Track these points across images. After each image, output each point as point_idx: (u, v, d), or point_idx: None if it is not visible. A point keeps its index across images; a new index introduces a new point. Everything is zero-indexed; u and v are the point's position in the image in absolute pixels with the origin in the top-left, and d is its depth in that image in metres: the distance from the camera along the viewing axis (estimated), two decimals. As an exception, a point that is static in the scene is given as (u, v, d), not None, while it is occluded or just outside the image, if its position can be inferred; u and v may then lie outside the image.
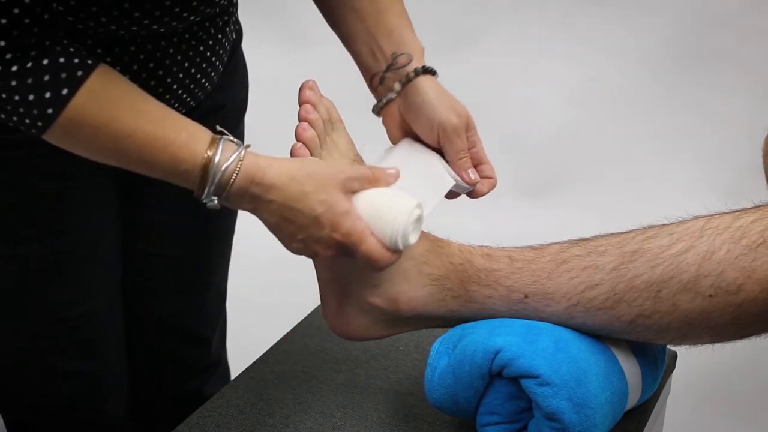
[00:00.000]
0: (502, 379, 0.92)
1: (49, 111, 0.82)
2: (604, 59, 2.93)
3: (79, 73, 0.82)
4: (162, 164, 0.85)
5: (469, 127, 1.03)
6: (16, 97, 0.81)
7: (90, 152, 0.87)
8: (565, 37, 2.97)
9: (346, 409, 1.06)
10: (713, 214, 0.90)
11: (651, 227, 0.93)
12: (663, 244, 0.89)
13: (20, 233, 1.04)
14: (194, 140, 0.86)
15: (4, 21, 0.78)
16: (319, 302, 1.04)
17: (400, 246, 0.91)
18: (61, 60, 0.82)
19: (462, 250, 0.99)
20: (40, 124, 0.83)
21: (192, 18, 0.97)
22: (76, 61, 0.83)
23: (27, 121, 0.83)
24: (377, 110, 1.05)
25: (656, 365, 1.01)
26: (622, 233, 0.94)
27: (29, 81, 0.81)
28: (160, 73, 1.00)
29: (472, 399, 0.95)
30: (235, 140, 0.87)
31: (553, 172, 2.64)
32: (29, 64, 0.81)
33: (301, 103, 0.97)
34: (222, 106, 1.15)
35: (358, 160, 1.01)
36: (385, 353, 1.15)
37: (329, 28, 1.09)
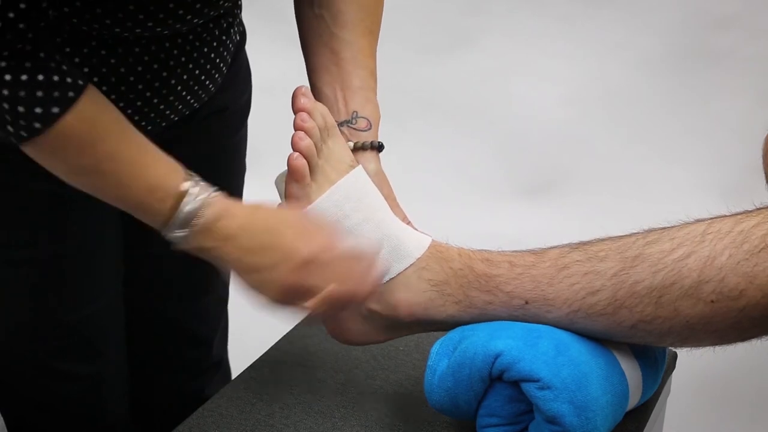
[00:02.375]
0: (503, 382, 0.92)
1: (36, 125, 0.82)
2: (604, 59, 2.94)
3: (71, 94, 0.83)
4: (140, 189, 0.86)
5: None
6: (5, 106, 0.81)
7: (66, 170, 0.87)
8: (565, 37, 2.97)
9: (346, 409, 1.06)
10: (714, 218, 0.90)
11: (652, 231, 0.92)
12: (664, 249, 0.89)
13: (22, 237, 1.04)
14: (171, 172, 0.88)
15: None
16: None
17: None
18: (55, 78, 0.82)
19: (462, 255, 0.99)
20: (24, 134, 0.83)
21: (195, 20, 0.97)
22: (69, 80, 0.83)
23: (9, 128, 0.83)
24: None
25: (656, 366, 1.01)
26: (623, 237, 0.94)
27: (21, 94, 0.81)
28: (164, 74, 1.00)
29: (472, 401, 0.95)
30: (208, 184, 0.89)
31: (552, 172, 2.64)
32: (23, 77, 0.81)
33: (295, 111, 0.97)
34: (225, 107, 1.15)
35: (355, 164, 1.00)
36: (385, 353, 1.15)
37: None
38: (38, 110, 0.81)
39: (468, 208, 2.38)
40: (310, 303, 0.91)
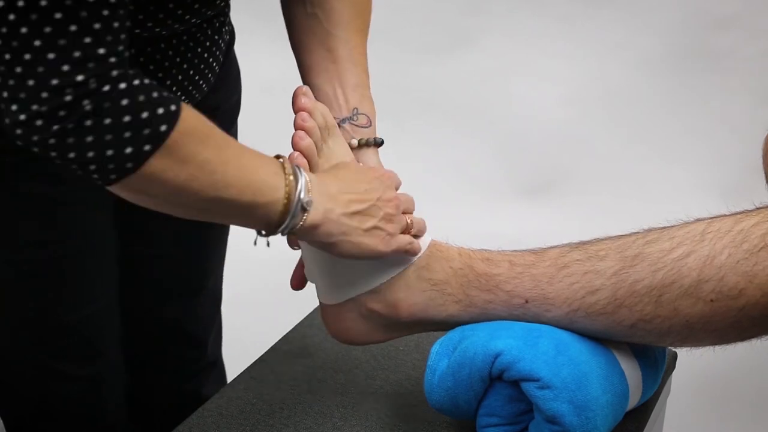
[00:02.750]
0: (503, 381, 0.92)
1: (163, 128, 0.76)
2: (603, 59, 2.94)
3: (173, 107, 0.77)
4: (257, 168, 0.84)
5: None
6: (126, 118, 0.74)
7: (194, 170, 0.79)
8: (565, 37, 2.97)
9: (346, 409, 1.06)
10: (714, 217, 0.90)
11: (651, 230, 0.92)
12: (664, 248, 0.89)
13: (19, 238, 1.04)
14: (273, 166, 0.86)
15: (97, 25, 0.72)
16: (318, 302, 1.04)
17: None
18: (155, 94, 0.77)
19: (462, 255, 0.99)
20: (147, 147, 0.75)
21: (193, 20, 0.97)
22: (165, 93, 0.78)
23: (128, 150, 0.75)
24: None
25: (656, 366, 1.01)
26: (622, 237, 0.94)
27: (141, 98, 0.75)
28: (159, 75, 1.00)
29: (472, 401, 0.95)
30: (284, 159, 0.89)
31: (552, 172, 2.64)
32: (136, 81, 0.75)
33: (296, 110, 0.97)
34: (216, 107, 1.15)
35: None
36: (385, 353, 1.15)
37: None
38: (147, 131, 0.75)
39: (468, 208, 2.38)
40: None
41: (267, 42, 2.88)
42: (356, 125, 1.04)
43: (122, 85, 0.74)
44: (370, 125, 1.05)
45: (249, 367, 1.14)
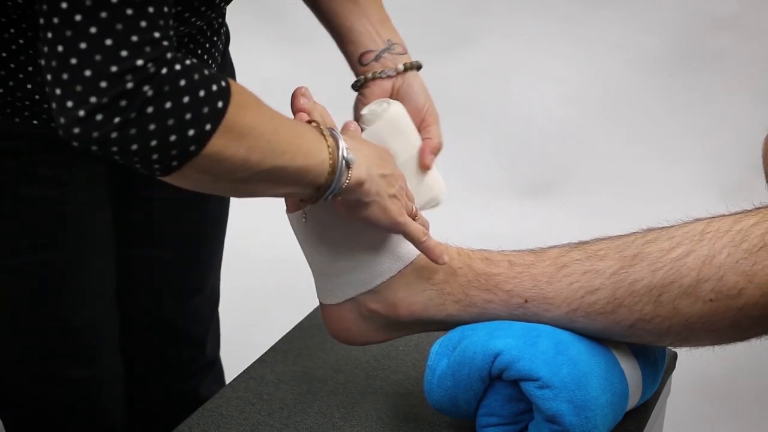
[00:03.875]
0: (502, 381, 0.92)
1: (219, 104, 0.74)
2: (604, 59, 2.94)
3: (223, 83, 0.76)
4: (304, 131, 0.85)
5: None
6: (186, 99, 0.72)
7: (252, 144, 0.78)
8: (565, 37, 2.97)
9: (346, 409, 1.06)
10: (713, 217, 0.90)
11: (651, 230, 0.92)
12: (663, 248, 0.89)
13: (19, 243, 1.04)
14: (312, 129, 0.88)
15: (151, 9, 0.70)
16: (318, 302, 1.04)
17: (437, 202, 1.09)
18: (206, 72, 0.75)
19: (461, 254, 0.99)
20: (208, 127, 0.74)
21: (198, 23, 0.97)
22: (212, 71, 0.77)
23: (191, 132, 0.73)
24: (366, 81, 1.09)
25: (656, 366, 1.01)
26: (622, 237, 0.94)
27: (196, 77, 0.73)
28: None
29: (471, 401, 0.95)
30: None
31: (552, 172, 2.64)
32: (188, 62, 0.73)
33: (295, 111, 0.97)
34: None
35: None
36: (385, 353, 1.15)
37: (322, 28, 1.13)
38: (206, 109, 0.73)
39: (468, 208, 2.38)
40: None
41: (264, 42, 2.88)
42: (395, 53, 1.09)
43: (177, 66, 0.72)
44: (406, 53, 1.10)
45: (249, 367, 1.14)
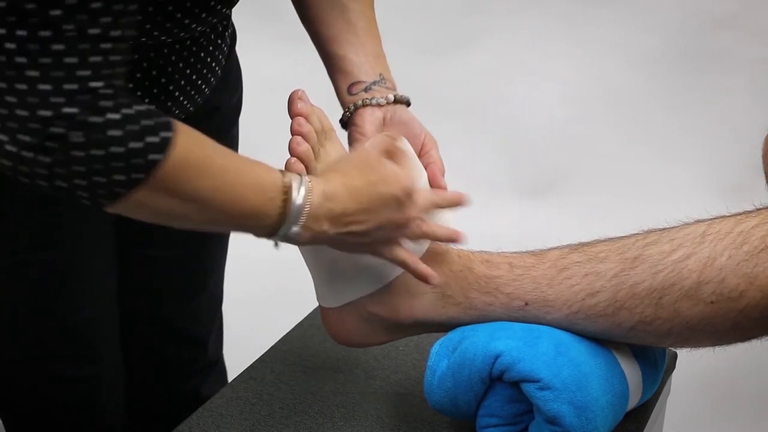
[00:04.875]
0: (503, 382, 0.92)
1: (154, 157, 0.75)
2: (604, 59, 2.94)
3: (164, 117, 0.77)
4: (251, 196, 0.82)
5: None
6: (117, 149, 0.73)
7: (182, 200, 0.79)
8: (565, 37, 2.97)
9: (346, 409, 1.05)
10: (714, 218, 0.90)
11: (651, 232, 0.92)
12: (664, 250, 0.89)
13: (18, 241, 1.04)
14: (269, 170, 0.85)
15: (97, 59, 0.71)
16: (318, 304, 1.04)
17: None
18: (147, 106, 0.76)
19: (461, 257, 0.99)
20: (139, 176, 0.74)
21: (199, 28, 0.98)
22: (160, 120, 0.77)
23: (120, 178, 0.74)
24: (356, 108, 1.06)
25: (656, 366, 1.01)
26: (622, 238, 0.94)
27: (134, 128, 0.74)
28: (163, 80, 1.00)
29: (471, 402, 0.95)
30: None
31: (552, 171, 2.64)
32: (128, 111, 0.74)
33: (292, 115, 0.97)
34: (216, 108, 1.15)
35: None
36: (385, 354, 1.15)
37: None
38: (150, 139, 0.74)
39: (468, 208, 2.38)
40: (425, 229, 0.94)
41: (268, 42, 2.88)
42: (384, 87, 1.07)
43: (113, 116, 0.73)
44: (395, 89, 1.08)
45: (249, 367, 1.14)
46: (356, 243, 0.90)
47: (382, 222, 0.90)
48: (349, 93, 1.06)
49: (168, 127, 0.76)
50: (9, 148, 0.72)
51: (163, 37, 0.95)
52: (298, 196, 0.84)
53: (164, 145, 0.75)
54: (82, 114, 0.71)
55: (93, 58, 0.71)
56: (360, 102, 1.05)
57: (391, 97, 1.05)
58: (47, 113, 0.70)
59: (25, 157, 0.72)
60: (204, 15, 0.95)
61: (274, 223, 0.84)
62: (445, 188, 1.04)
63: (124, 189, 0.75)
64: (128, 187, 0.75)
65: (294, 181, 0.84)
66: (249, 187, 0.82)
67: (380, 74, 1.07)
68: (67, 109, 0.71)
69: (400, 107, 1.07)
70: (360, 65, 1.06)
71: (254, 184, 0.83)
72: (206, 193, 0.80)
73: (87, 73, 0.71)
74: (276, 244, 0.88)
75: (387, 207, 0.89)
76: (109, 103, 0.73)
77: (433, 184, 1.04)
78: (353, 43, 1.07)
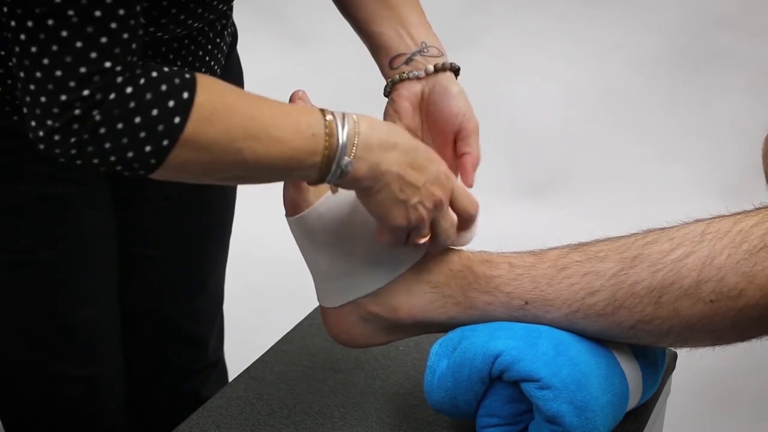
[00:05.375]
0: (502, 382, 0.92)
1: (177, 120, 0.76)
2: (604, 59, 2.93)
3: (187, 75, 0.78)
4: (291, 136, 0.81)
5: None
6: (137, 119, 0.75)
7: (220, 154, 0.79)
8: (565, 36, 2.97)
9: (346, 409, 1.06)
10: (713, 218, 0.90)
11: (651, 231, 0.92)
12: (663, 249, 0.89)
13: (19, 240, 1.04)
14: (309, 110, 0.85)
15: (104, 39, 0.74)
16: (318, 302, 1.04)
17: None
18: (165, 69, 0.78)
19: (461, 257, 0.99)
20: (166, 142, 0.76)
21: (196, 24, 0.97)
22: (174, 67, 0.79)
23: (147, 148, 0.76)
24: (394, 84, 1.03)
25: (656, 366, 1.01)
26: (622, 238, 0.94)
27: (148, 96, 0.76)
28: None
29: (471, 402, 0.95)
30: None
31: (553, 171, 2.64)
32: (142, 81, 0.76)
33: None
34: None
35: None
36: (385, 353, 1.16)
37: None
38: (171, 103, 0.76)
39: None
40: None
41: (270, 41, 2.88)
42: (428, 56, 1.02)
43: (129, 90, 0.75)
44: (442, 55, 1.03)
45: (249, 367, 1.14)
46: (412, 186, 0.88)
47: (432, 178, 0.89)
48: (391, 67, 1.03)
49: (188, 85, 0.77)
50: (40, 133, 0.75)
51: (159, 34, 0.94)
52: (344, 128, 0.83)
53: (185, 106, 0.76)
54: (98, 93, 0.74)
55: (101, 39, 0.73)
56: (397, 77, 1.02)
57: (431, 68, 1.01)
58: (65, 97, 0.73)
59: (55, 141, 0.75)
60: (200, 11, 0.95)
61: (324, 160, 0.83)
62: (470, 184, 1.01)
63: (156, 158, 0.77)
64: (159, 155, 0.77)
65: (337, 115, 0.84)
66: (286, 128, 0.82)
67: (422, 42, 1.02)
68: (83, 92, 0.73)
69: (443, 77, 1.02)
70: (398, 38, 1.02)
71: (291, 123, 0.82)
72: (241, 142, 0.79)
73: (96, 54, 0.73)
74: (334, 189, 0.87)
75: (434, 169, 0.89)
76: (123, 78, 0.75)
77: (462, 176, 1.01)
78: (388, 17, 1.03)
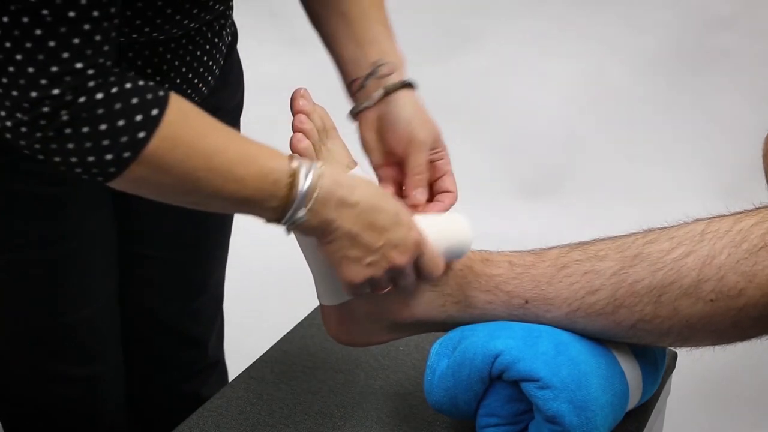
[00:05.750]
0: (502, 381, 0.92)
1: (141, 135, 0.78)
2: (604, 59, 2.93)
3: (161, 93, 0.80)
4: (253, 177, 0.82)
5: (436, 143, 1.03)
6: (103, 127, 0.77)
7: (177, 179, 0.81)
8: (566, 37, 2.97)
9: (346, 409, 1.06)
10: (713, 217, 0.90)
11: (651, 231, 0.92)
12: (663, 248, 0.89)
13: (16, 239, 1.04)
14: (276, 154, 0.85)
15: (76, 40, 0.75)
16: (318, 302, 1.04)
17: (465, 254, 0.96)
18: (141, 83, 0.79)
19: None
20: (127, 154, 0.78)
21: (192, 24, 0.97)
22: (152, 83, 0.80)
23: (108, 156, 0.77)
24: (353, 115, 1.04)
25: (656, 366, 1.01)
26: (622, 237, 0.94)
27: (117, 106, 0.77)
28: (158, 78, 1.00)
29: (471, 401, 0.95)
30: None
31: (553, 172, 2.64)
32: (114, 90, 0.77)
33: (294, 113, 0.97)
34: (217, 108, 1.14)
35: (353, 165, 1.00)
36: (385, 353, 1.16)
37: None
38: (139, 117, 0.77)
39: (468, 208, 2.38)
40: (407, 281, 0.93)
41: (269, 42, 2.88)
42: (380, 77, 1.01)
43: (99, 96, 0.77)
44: (393, 72, 1.02)
45: (249, 367, 1.14)
46: (366, 246, 0.88)
47: (394, 242, 0.89)
48: (350, 94, 1.04)
49: (159, 103, 0.79)
50: (7, 123, 0.77)
51: (154, 34, 0.94)
52: (306, 179, 0.84)
53: (152, 123, 0.78)
54: (68, 94, 0.75)
55: (73, 40, 0.75)
56: (355, 108, 1.03)
57: (378, 95, 1.00)
58: (35, 94, 0.75)
59: (22, 133, 0.77)
60: (196, 11, 0.95)
61: (280, 207, 0.84)
62: (414, 208, 0.99)
63: (116, 167, 0.78)
64: (119, 165, 0.78)
65: (303, 165, 0.85)
66: (249, 169, 0.83)
67: (374, 62, 1.01)
68: (53, 90, 0.75)
69: (394, 99, 1.00)
70: (353, 61, 1.02)
71: (255, 165, 0.83)
72: (200, 172, 0.81)
73: (68, 54, 0.75)
74: (287, 230, 0.88)
75: (398, 234, 0.89)
76: (95, 83, 0.76)
77: (432, 209, 1.01)
78: (346, 35, 1.02)
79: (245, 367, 1.14)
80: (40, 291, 1.08)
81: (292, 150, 0.95)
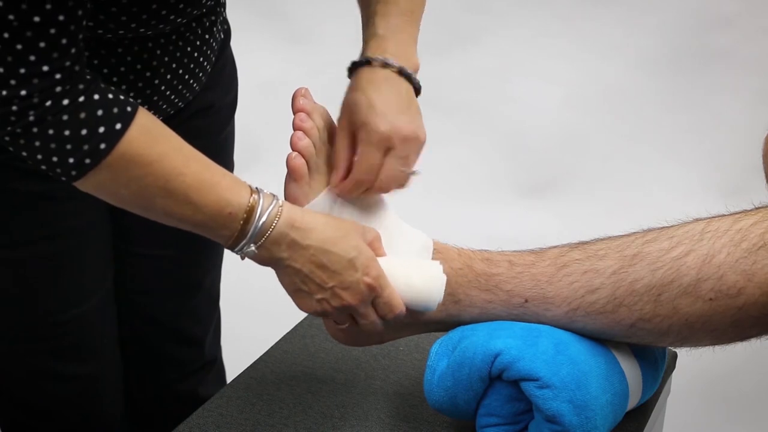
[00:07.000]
0: (502, 381, 0.92)
1: (102, 146, 0.81)
2: (604, 59, 2.94)
3: (129, 108, 0.82)
4: (208, 205, 0.85)
5: (403, 144, 0.99)
6: (66, 132, 0.80)
7: (134, 194, 0.84)
8: (565, 37, 2.97)
9: (346, 409, 1.06)
10: (713, 217, 0.90)
11: (651, 230, 0.93)
12: (663, 247, 0.89)
13: (11, 237, 1.04)
14: (238, 184, 0.87)
15: (42, 44, 0.77)
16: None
17: (434, 301, 0.95)
18: (110, 96, 0.82)
19: (461, 255, 0.99)
20: (87, 161, 0.81)
21: (179, 20, 0.97)
22: (122, 97, 0.83)
23: (71, 160, 0.81)
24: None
25: (656, 366, 1.01)
26: (621, 236, 0.94)
27: (82, 115, 0.80)
28: (148, 74, 1.00)
29: (471, 401, 0.95)
30: (270, 192, 0.89)
31: (552, 171, 2.64)
32: (81, 98, 0.80)
33: (295, 111, 0.97)
34: (210, 105, 1.15)
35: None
36: (385, 353, 1.15)
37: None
38: (101, 129, 0.80)
39: (468, 208, 2.38)
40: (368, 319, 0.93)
41: (265, 39, 2.88)
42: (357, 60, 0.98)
43: (65, 102, 0.79)
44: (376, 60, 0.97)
45: (249, 367, 1.14)
46: (316, 283, 0.90)
47: (346, 284, 0.90)
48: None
49: (124, 118, 0.81)
50: None
51: (142, 30, 0.94)
52: (261, 218, 0.87)
53: (113, 136, 0.81)
54: (35, 96, 0.78)
55: (39, 44, 0.77)
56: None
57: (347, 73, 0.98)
58: (5, 92, 0.77)
59: None
60: (182, 6, 0.95)
61: (232, 237, 0.87)
62: (341, 193, 0.97)
63: (77, 171, 0.82)
64: (79, 170, 0.82)
65: (262, 201, 0.87)
66: (207, 197, 0.85)
67: (368, 58, 0.97)
68: (21, 91, 0.78)
69: (355, 81, 0.96)
70: (364, 50, 0.99)
71: (213, 194, 0.86)
72: (155, 191, 0.84)
73: (35, 58, 0.77)
74: (240, 257, 0.90)
75: (352, 279, 0.90)
76: (62, 89, 0.79)
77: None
78: (366, 24, 1.01)
79: (245, 367, 1.14)
80: (34, 288, 1.08)
81: (292, 148, 0.95)
